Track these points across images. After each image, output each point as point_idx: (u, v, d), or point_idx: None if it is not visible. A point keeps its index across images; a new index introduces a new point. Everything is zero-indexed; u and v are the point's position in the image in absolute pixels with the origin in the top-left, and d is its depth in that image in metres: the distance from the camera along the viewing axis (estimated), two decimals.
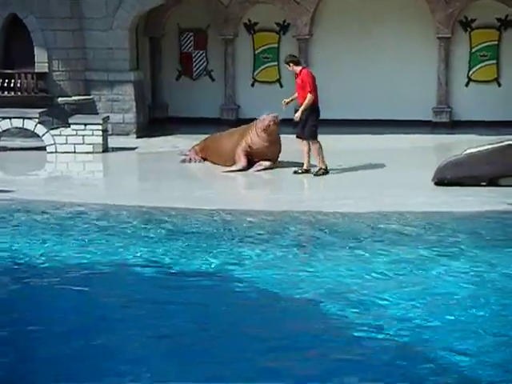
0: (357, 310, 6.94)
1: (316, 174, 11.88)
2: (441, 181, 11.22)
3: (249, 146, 12.38)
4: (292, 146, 12.48)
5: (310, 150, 11.93)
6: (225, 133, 13.17)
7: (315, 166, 11.98)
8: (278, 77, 16.63)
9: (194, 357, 6.12)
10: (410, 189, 11.23)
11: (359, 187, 11.36)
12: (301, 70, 11.88)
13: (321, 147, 11.88)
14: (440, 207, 10.20)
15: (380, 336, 6.45)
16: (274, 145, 12.46)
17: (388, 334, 6.49)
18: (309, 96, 11.68)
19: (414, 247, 8.60)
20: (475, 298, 7.19)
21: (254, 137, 12.42)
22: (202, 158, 13.11)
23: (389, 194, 10.94)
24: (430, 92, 16.24)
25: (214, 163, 12.82)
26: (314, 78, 11.79)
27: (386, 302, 7.07)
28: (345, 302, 7.06)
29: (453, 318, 6.78)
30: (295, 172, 12.03)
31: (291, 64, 11.87)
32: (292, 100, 12.13)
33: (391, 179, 11.93)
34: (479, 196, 10.65)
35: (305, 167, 12.01)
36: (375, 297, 7.18)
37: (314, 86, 11.73)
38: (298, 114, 11.68)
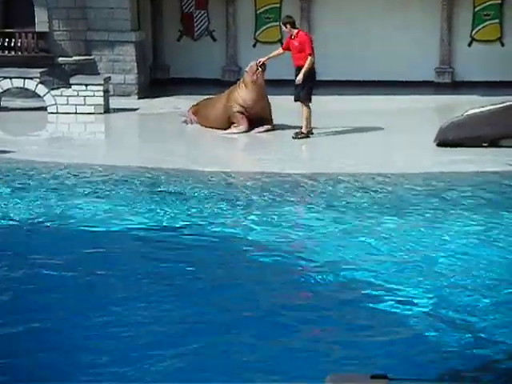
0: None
1: (296, 137, 11.82)
2: (443, 142, 11.21)
3: (241, 106, 12.31)
4: (288, 107, 12.44)
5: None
6: (214, 97, 13.07)
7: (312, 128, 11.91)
8: (279, 37, 16.47)
9: None
10: (412, 150, 11.23)
11: (363, 149, 11.34)
12: (298, 32, 11.77)
13: (310, 111, 11.81)
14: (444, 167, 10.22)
15: None
16: (264, 99, 12.35)
17: None
18: (309, 58, 11.59)
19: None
20: None
21: (243, 92, 12.31)
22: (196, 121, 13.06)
23: (391, 156, 10.94)
24: (433, 52, 16.12)
25: (206, 127, 12.75)
26: (312, 41, 11.70)
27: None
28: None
29: None
30: (295, 136, 11.96)
31: (288, 25, 11.76)
32: (268, 59, 11.96)
33: (393, 140, 11.91)
34: (481, 156, 10.65)
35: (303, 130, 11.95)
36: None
37: (312, 49, 11.64)
38: (300, 77, 11.58)
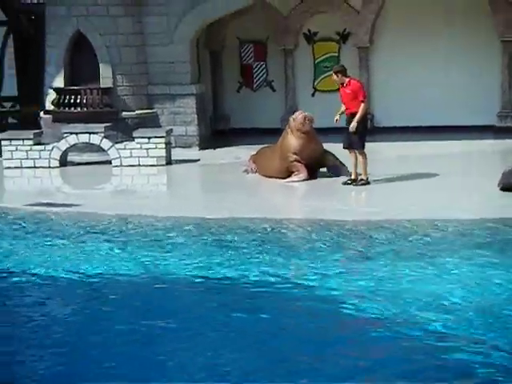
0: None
1: (357, 185, 11.81)
2: (507, 186, 11.05)
3: (295, 153, 12.38)
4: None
5: (357, 160, 11.87)
6: (270, 146, 13.14)
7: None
8: (338, 85, 16.58)
9: None
10: (476, 195, 11.11)
11: (427, 194, 11.27)
12: (349, 80, 11.83)
13: (366, 157, 11.82)
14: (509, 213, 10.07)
15: None
16: (314, 140, 12.43)
17: None
18: (362, 106, 11.62)
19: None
20: None
21: (292, 140, 12.41)
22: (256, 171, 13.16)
23: (456, 201, 10.84)
24: (494, 96, 16.01)
25: (266, 176, 12.83)
26: (363, 87, 11.74)
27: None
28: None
29: None
30: (345, 183, 11.99)
31: (339, 74, 11.84)
32: (342, 113, 12.03)
33: (457, 185, 11.81)
34: None
35: (353, 177, 11.97)
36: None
37: (365, 95, 11.68)
38: (354, 125, 11.58)
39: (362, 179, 11.85)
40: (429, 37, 16.15)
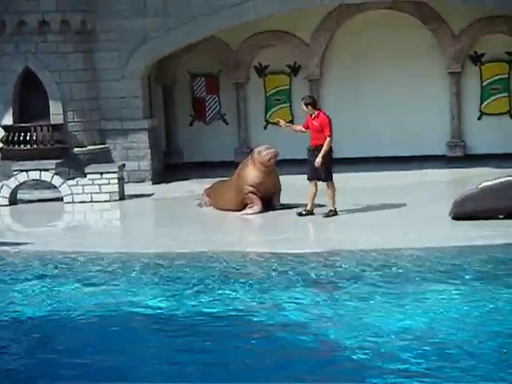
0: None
1: (327, 215, 11.86)
2: (458, 215, 11.19)
3: (252, 186, 12.40)
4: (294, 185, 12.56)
5: (316, 191, 11.93)
6: (225, 180, 13.17)
7: (319, 207, 11.95)
8: (290, 118, 16.73)
9: None
10: (428, 224, 11.22)
11: (380, 225, 11.36)
12: (318, 113, 11.90)
13: (335, 188, 11.89)
14: (461, 241, 10.18)
15: None
16: (273, 174, 12.49)
17: None
18: (328, 140, 11.68)
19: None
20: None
21: (253, 172, 12.42)
22: (211, 204, 13.13)
23: (408, 230, 10.94)
24: (444, 126, 16.29)
25: (221, 209, 12.82)
26: (331, 122, 11.84)
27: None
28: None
29: None
30: (300, 214, 12.02)
31: (309, 106, 11.91)
32: (289, 127, 12.09)
33: (408, 215, 11.92)
34: (498, 229, 10.61)
35: (309, 208, 12.01)
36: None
37: (331, 130, 11.77)
38: (319, 160, 11.62)
39: (330, 210, 11.88)
40: (378, 68, 16.39)
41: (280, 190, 12.60)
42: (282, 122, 12.36)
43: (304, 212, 12.00)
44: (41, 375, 6.84)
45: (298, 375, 6.54)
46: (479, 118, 16.44)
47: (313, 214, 11.95)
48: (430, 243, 10.18)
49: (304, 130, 12.07)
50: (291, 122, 16.69)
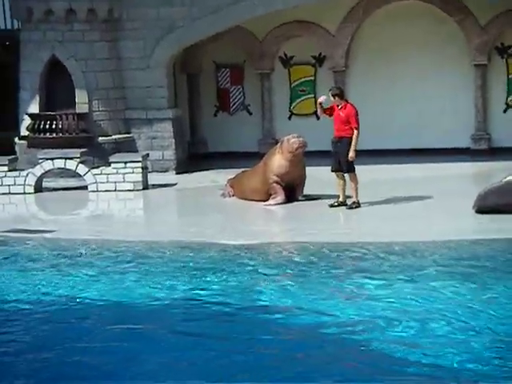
0: None
1: (350, 207, 11.86)
2: (481, 209, 11.13)
3: (277, 176, 12.40)
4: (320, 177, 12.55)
5: (345, 182, 11.93)
6: (249, 170, 13.17)
7: (350, 197, 11.97)
8: (314, 109, 16.63)
9: None
10: (451, 217, 11.18)
11: (402, 217, 11.34)
12: (345, 104, 11.87)
13: (357, 181, 11.88)
14: (484, 234, 10.13)
15: None
16: (300, 164, 12.47)
17: None
18: (356, 133, 11.65)
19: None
20: None
21: (280, 161, 12.41)
22: (234, 195, 13.16)
23: (432, 223, 10.91)
24: (468, 119, 16.17)
25: (244, 199, 12.82)
26: (357, 114, 11.78)
27: None
28: None
29: None
30: (331, 205, 12.03)
31: (336, 97, 11.86)
32: (321, 107, 11.84)
33: (432, 208, 11.88)
34: None
35: (341, 199, 12.01)
36: None
37: (358, 122, 11.71)
38: (352, 155, 11.59)
39: (353, 202, 11.88)
40: (403, 60, 16.29)
41: (305, 181, 12.60)
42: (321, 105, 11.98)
43: (336, 203, 11.99)
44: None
45: None
46: (505, 111, 16.29)
47: (346, 204, 11.92)
48: (453, 236, 10.14)
49: (325, 113, 11.91)
50: (315, 112, 16.73)
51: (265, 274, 8.99)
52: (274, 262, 9.61)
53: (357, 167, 11.96)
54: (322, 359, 6.71)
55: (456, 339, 6.97)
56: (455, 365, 6.46)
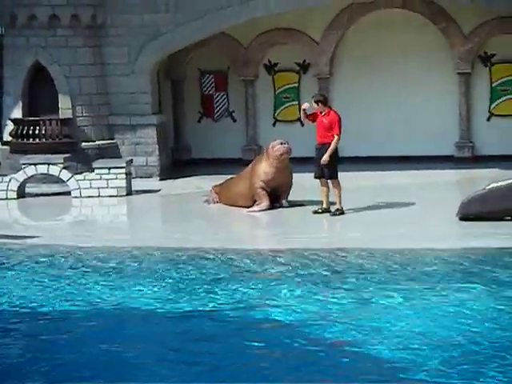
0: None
1: (334, 214, 11.86)
2: (465, 216, 11.17)
3: (263, 182, 12.40)
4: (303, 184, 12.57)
5: (328, 189, 11.94)
6: (235, 176, 13.18)
7: (334, 204, 11.98)
8: (298, 116, 16.67)
9: None
10: (434, 224, 11.21)
11: (385, 224, 11.36)
12: (329, 111, 11.89)
13: (340, 187, 11.89)
14: (467, 242, 10.16)
15: None
16: (287, 170, 12.49)
17: None
18: (336, 139, 11.68)
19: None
20: None
21: (266, 167, 12.43)
22: (218, 201, 13.14)
23: (415, 229, 10.93)
24: (452, 127, 16.25)
25: (229, 205, 12.82)
26: (341, 121, 11.82)
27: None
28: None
29: None
30: (315, 212, 12.03)
31: (320, 103, 11.89)
32: (304, 112, 11.87)
33: (415, 215, 11.91)
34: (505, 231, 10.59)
35: (324, 206, 12.02)
36: None
37: (340, 129, 11.75)
38: (326, 158, 11.62)
39: (337, 209, 11.89)
40: (388, 68, 16.34)
41: (291, 187, 12.60)
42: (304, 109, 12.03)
43: (320, 210, 12.00)
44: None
45: None
46: (488, 119, 16.39)
47: (329, 211, 11.93)
48: (435, 244, 10.16)
49: (308, 119, 11.96)
50: (299, 119, 16.74)
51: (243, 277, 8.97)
52: (254, 266, 9.58)
53: (341, 174, 11.98)
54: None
55: None
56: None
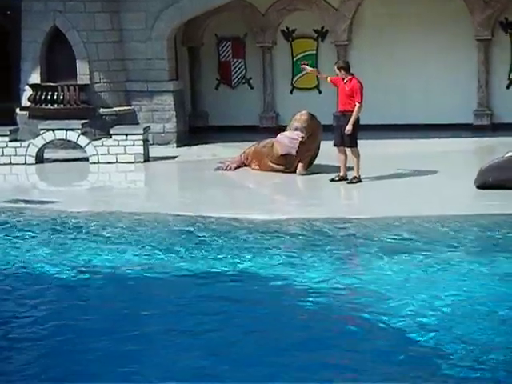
0: None
1: (350, 182, 11.85)
2: (483, 184, 11.13)
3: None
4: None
5: (346, 157, 11.92)
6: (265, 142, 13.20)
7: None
8: (316, 83, 16.64)
9: None
10: (451, 192, 11.19)
11: (402, 192, 11.35)
12: (351, 78, 11.81)
13: (359, 155, 11.86)
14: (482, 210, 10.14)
15: None
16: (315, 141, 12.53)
17: None
18: (357, 107, 11.61)
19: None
20: None
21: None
22: (247, 165, 13.12)
23: (431, 198, 10.92)
24: (471, 95, 16.11)
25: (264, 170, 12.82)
26: (362, 88, 11.73)
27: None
28: None
29: None
30: (332, 180, 12.02)
31: (342, 70, 11.81)
32: (314, 72, 11.91)
33: (432, 183, 11.88)
34: None
35: (342, 174, 12.00)
36: None
37: (362, 97, 11.66)
38: (350, 127, 11.57)
39: (354, 177, 11.87)
40: (406, 36, 16.19)
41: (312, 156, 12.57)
42: (309, 69, 12.17)
43: (337, 178, 11.99)
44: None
45: None
46: (508, 87, 16.24)
47: (346, 179, 11.91)
48: (451, 211, 10.14)
49: (328, 80, 11.97)
50: (317, 86, 16.70)
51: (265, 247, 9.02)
52: (269, 235, 9.61)
53: (359, 142, 11.94)
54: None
55: None
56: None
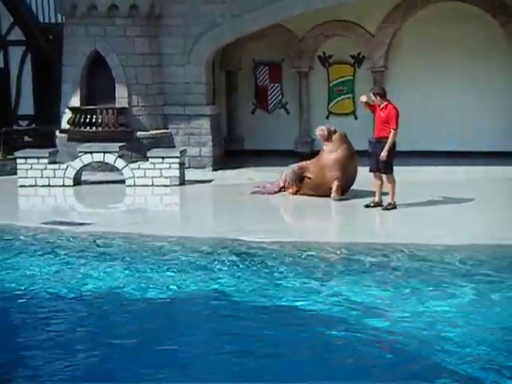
0: None
1: (385, 208, 11.82)
2: None
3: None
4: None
5: (382, 183, 11.90)
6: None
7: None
8: (352, 109, 16.67)
9: None
10: (489, 222, 11.09)
11: (441, 220, 11.28)
12: (387, 104, 11.82)
13: (395, 182, 11.84)
14: None
15: None
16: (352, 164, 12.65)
17: None
18: (392, 133, 11.61)
19: None
20: None
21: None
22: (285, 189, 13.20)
23: (468, 227, 10.83)
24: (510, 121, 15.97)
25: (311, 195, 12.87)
26: (398, 115, 11.74)
27: None
28: None
29: None
30: (367, 205, 12.00)
31: (378, 96, 11.84)
32: (366, 104, 11.88)
33: (471, 212, 11.78)
34: None
35: (377, 200, 11.98)
36: None
37: (397, 123, 11.67)
38: (385, 154, 11.56)
39: (389, 203, 11.84)
40: (444, 63, 16.15)
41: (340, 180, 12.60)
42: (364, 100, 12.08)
43: (372, 204, 11.97)
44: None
45: None
46: None
47: (381, 205, 11.90)
48: (485, 241, 10.04)
49: (370, 107, 11.94)
50: (353, 112, 16.72)
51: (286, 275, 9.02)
52: (301, 261, 9.62)
53: (396, 168, 11.90)
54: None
55: None
56: None
